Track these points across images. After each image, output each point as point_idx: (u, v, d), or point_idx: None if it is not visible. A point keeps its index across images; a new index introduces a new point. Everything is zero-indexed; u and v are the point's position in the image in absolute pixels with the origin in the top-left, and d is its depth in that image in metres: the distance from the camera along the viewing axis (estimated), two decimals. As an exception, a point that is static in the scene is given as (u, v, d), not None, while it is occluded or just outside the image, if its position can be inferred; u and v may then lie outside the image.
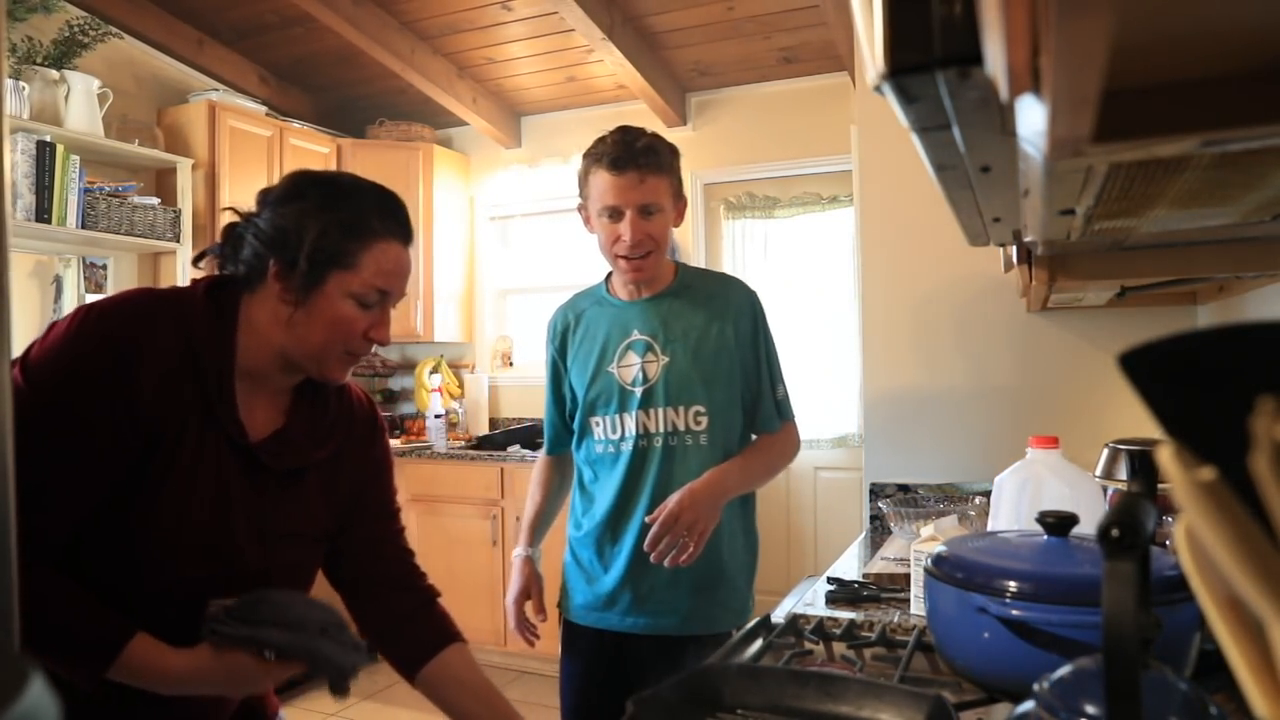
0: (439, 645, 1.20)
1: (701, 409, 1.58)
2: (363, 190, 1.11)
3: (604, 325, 1.66)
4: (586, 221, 1.65)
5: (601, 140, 1.58)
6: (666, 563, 1.48)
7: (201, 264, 1.16)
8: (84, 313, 0.99)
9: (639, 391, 1.59)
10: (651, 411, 1.59)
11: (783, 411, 1.67)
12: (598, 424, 1.63)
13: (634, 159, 1.53)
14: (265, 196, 1.10)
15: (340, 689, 1.05)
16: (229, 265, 1.10)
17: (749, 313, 1.64)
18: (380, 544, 1.24)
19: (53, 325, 1.00)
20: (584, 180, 1.62)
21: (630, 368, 1.61)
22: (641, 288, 1.64)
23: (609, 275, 1.71)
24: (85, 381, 0.96)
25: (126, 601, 0.99)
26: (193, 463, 1.02)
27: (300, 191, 1.08)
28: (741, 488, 1.61)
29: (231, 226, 1.11)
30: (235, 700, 1.16)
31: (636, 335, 1.62)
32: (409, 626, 1.17)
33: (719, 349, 1.60)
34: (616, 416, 1.61)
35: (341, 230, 1.06)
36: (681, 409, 1.58)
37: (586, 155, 1.61)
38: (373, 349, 1.12)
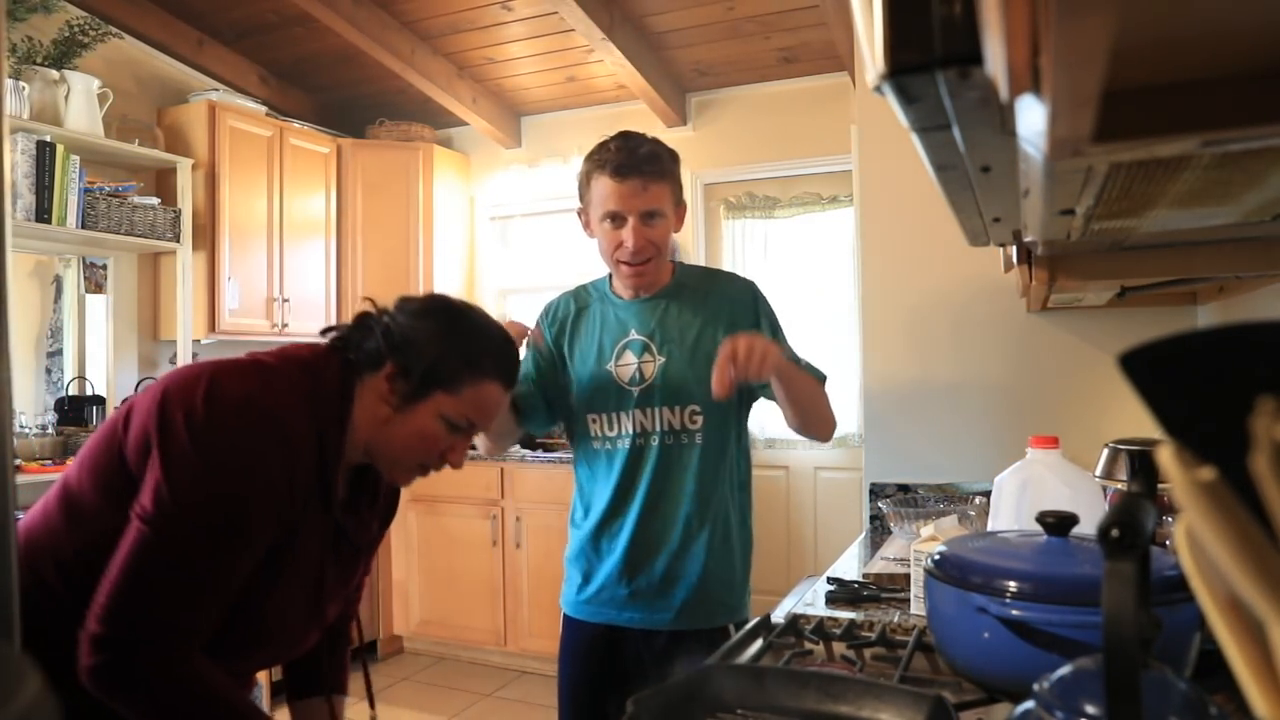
0: (321, 690, 1.31)
1: (697, 408, 1.59)
2: (487, 332, 1.23)
3: (603, 322, 1.68)
4: (586, 226, 1.66)
5: (604, 146, 1.58)
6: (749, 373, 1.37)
7: (325, 336, 1.22)
8: (250, 399, 1.03)
9: (636, 391, 1.61)
10: (648, 410, 1.60)
11: (814, 372, 1.62)
12: (594, 420, 1.64)
13: (637, 166, 1.53)
14: (405, 304, 1.20)
15: None
16: (350, 349, 1.17)
17: (749, 304, 1.65)
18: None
19: (211, 379, 1.03)
20: (585, 185, 1.62)
21: (628, 367, 1.62)
22: (640, 289, 1.66)
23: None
24: (260, 486, 1.02)
25: (232, 656, 1.07)
26: (309, 543, 1.10)
27: (435, 312, 1.19)
28: (785, 371, 1.50)
29: (365, 315, 1.20)
30: None
31: (634, 335, 1.64)
32: (312, 659, 1.27)
33: (715, 348, 1.58)
34: (614, 415, 1.63)
35: (458, 359, 1.16)
36: (678, 408, 1.60)
37: (588, 160, 1.60)
38: (444, 467, 1.21)
